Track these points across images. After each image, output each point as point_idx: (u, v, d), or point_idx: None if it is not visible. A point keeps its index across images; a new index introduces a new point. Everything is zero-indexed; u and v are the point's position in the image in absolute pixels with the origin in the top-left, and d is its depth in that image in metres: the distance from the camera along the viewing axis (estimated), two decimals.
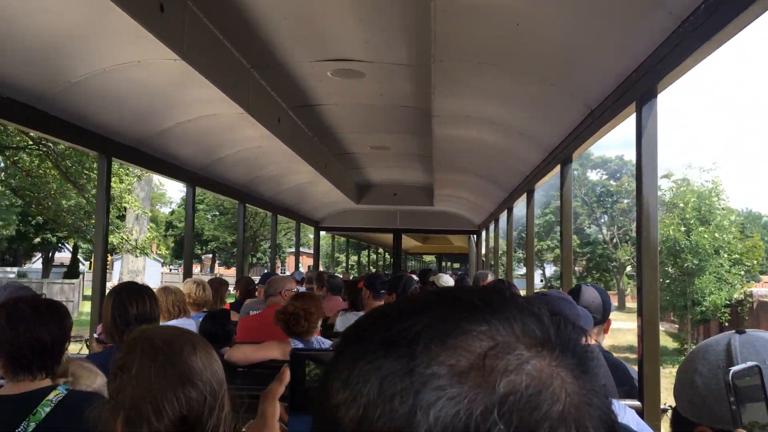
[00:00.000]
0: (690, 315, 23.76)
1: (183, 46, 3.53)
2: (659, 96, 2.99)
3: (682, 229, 23.46)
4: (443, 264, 43.68)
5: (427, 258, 48.63)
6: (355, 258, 42.76)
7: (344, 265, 39.97)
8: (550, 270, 50.29)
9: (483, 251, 13.28)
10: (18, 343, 2.14)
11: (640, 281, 3.04)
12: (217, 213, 49.34)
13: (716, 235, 23.22)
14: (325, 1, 3.63)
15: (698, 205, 23.82)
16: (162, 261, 48.12)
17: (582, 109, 4.01)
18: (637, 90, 3.08)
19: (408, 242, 25.49)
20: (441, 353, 0.46)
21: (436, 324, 0.48)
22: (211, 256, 56.44)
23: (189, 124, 5.18)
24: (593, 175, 50.94)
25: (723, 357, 1.25)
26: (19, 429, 2.07)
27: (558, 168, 5.08)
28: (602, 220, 50.12)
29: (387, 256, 37.47)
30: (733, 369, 0.97)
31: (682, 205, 24.11)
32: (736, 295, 23.21)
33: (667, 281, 23.86)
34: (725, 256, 23.46)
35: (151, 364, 1.50)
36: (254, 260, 53.77)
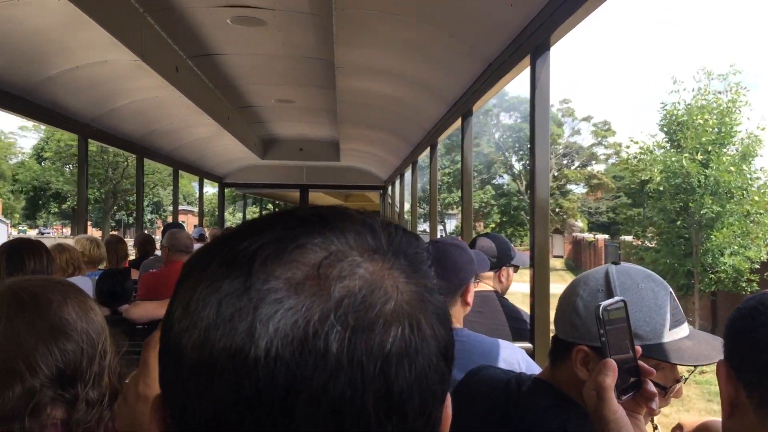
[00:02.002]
0: (699, 285, 16.22)
1: None
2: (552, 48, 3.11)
3: (699, 157, 15.94)
4: None
5: None
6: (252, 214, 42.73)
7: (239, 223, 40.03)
8: (451, 225, 49.85)
9: (389, 207, 13.44)
10: None
11: (532, 232, 3.19)
12: (69, 165, 45.45)
13: (744, 167, 15.82)
14: None
15: (718, 126, 15.94)
16: (9, 222, 44.71)
17: (481, 62, 4.09)
18: (531, 42, 3.18)
19: (327, 199, 25.41)
20: (277, 268, 0.48)
21: (273, 242, 0.49)
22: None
23: (78, 71, 4.89)
24: (507, 119, 48.60)
25: (602, 283, 1.37)
26: None
27: (459, 121, 5.18)
28: (518, 168, 47.79)
29: None
30: (603, 303, 1.06)
31: (701, 122, 15.99)
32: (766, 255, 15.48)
33: (665, 236, 17.01)
34: (756, 199, 15.71)
35: (18, 318, 1.43)
36: (130, 220, 51.51)
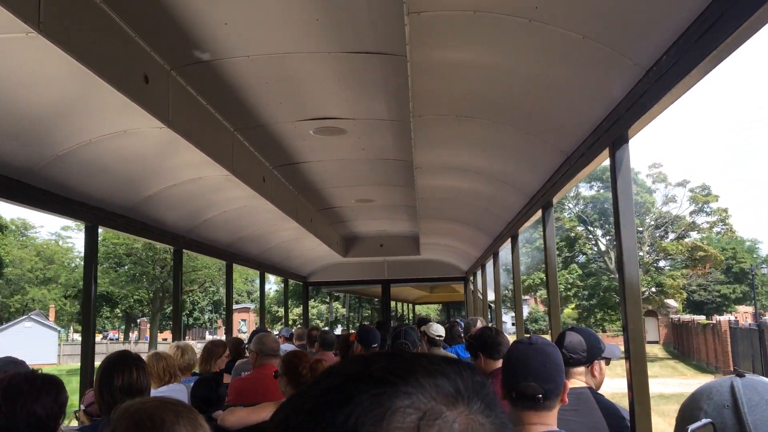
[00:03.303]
0: None
1: (168, 114, 3.62)
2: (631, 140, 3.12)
3: None
4: (450, 311, 43.45)
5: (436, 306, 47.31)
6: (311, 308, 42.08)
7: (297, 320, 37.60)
8: (525, 311, 45.89)
9: (473, 297, 13.28)
10: (14, 418, 2.14)
11: (625, 322, 3.09)
12: (114, 264, 41.35)
13: None
14: (305, 63, 3.75)
15: None
16: (59, 329, 43.10)
17: (558, 155, 4.13)
18: (609, 136, 3.20)
19: (413, 293, 25.32)
20: None
21: (367, 410, 0.52)
22: (145, 319, 50.01)
23: (175, 188, 5.24)
24: (586, 191, 43.63)
25: (728, 398, 1.32)
26: None
27: (540, 212, 5.17)
28: (604, 243, 42.27)
29: (400, 306, 36.54)
30: (691, 427, 1.03)
31: None
32: None
33: None
34: None
35: None
36: (190, 320, 49.65)
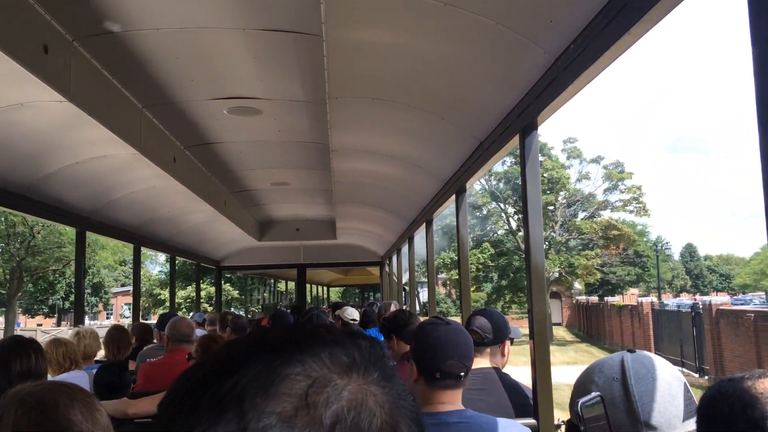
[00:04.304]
0: None
1: (69, 86, 3.43)
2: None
3: None
4: (366, 295, 43.11)
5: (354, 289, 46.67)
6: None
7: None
8: (424, 296, 45.53)
9: (389, 281, 13.43)
10: None
11: (530, 303, 3.21)
12: None
13: None
14: (218, 39, 3.64)
15: None
16: None
17: (471, 141, 4.21)
18: (519, 123, 3.29)
19: (328, 276, 25.20)
20: (267, 404, 0.50)
21: (256, 376, 0.51)
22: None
23: (78, 166, 4.99)
24: (497, 167, 39.35)
25: (618, 371, 1.40)
26: None
27: (453, 197, 5.27)
28: (515, 222, 39.27)
29: (325, 291, 35.90)
30: (581, 400, 1.08)
31: None
32: None
33: None
34: None
35: (25, 423, 1.46)
36: (66, 304, 45.93)
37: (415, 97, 4.02)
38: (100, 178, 5.54)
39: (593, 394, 1.12)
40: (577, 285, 43.27)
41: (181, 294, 38.17)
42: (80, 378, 4.21)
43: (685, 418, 1.35)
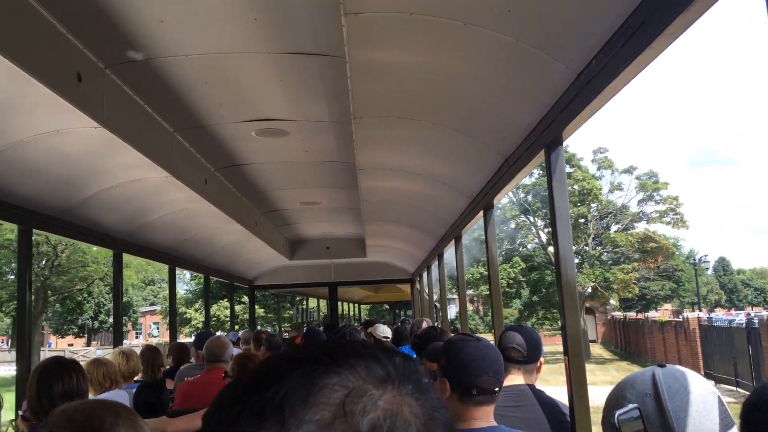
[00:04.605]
0: None
1: (103, 113, 3.54)
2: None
3: None
4: (397, 312, 42.70)
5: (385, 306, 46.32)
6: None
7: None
8: (452, 312, 43.72)
9: (420, 298, 13.39)
10: None
11: (563, 320, 3.18)
12: None
13: None
14: (244, 64, 3.73)
15: None
16: None
17: (497, 157, 4.21)
18: (544, 138, 3.28)
19: (358, 293, 25.24)
20: (306, 412, 0.52)
21: (295, 387, 0.54)
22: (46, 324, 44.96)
23: (113, 190, 5.12)
24: (525, 179, 36.63)
25: (649, 386, 1.38)
26: None
27: (481, 213, 5.26)
28: (545, 235, 37.70)
29: (355, 308, 35.68)
30: (618, 411, 1.07)
31: None
32: None
33: None
34: None
35: None
36: (95, 324, 46.68)
37: (440, 115, 4.05)
38: (134, 200, 5.67)
39: (630, 406, 1.10)
40: (612, 301, 41.10)
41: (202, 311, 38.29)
42: (121, 397, 4.27)
43: (723, 431, 1.33)
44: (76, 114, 3.32)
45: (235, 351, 7.35)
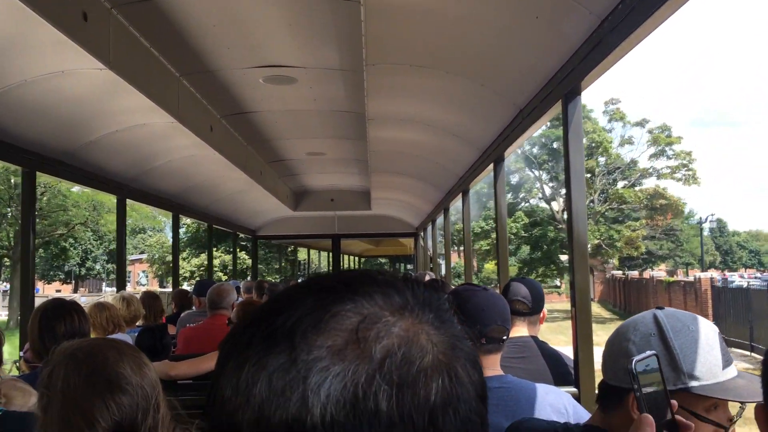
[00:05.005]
0: None
1: (109, 55, 3.45)
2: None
3: None
4: (397, 266, 42.76)
5: (383, 260, 46.49)
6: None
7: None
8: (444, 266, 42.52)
9: (422, 252, 13.43)
10: None
11: (572, 274, 3.16)
12: None
13: None
14: (255, 7, 3.61)
15: None
16: None
17: (511, 108, 4.13)
18: (562, 88, 3.20)
19: (359, 246, 25.32)
20: (318, 338, 0.50)
21: (309, 313, 0.52)
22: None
23: (117, 134, 5.05)
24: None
25: (652, 327, 1.39)
26: None
27: (491, 167, 5.20)
28: (550, 189, 36.28)
29: (355, 261, 35.54)
30: (634, 357, 1.04)
31: None
32: None
33: None
34: None
35: (76, 376, 1.50)
36: (82, 271, 46.07)
37: (454, 63, 3.94)
38: (139, 146, 5.61)
39: (648, 352, 1.08)
40: (613, 260, 39.92)
41: (194, 262, 37.17)
42: (124, 340, 4.30)
43: (724, 366, 1.36)
44: (82, 54, 3.23)
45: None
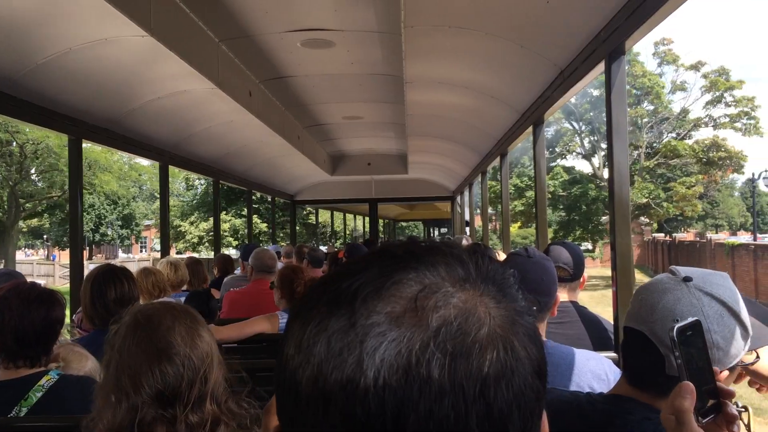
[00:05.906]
0: None
1: (150, 21, 3.48)
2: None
3: None
4: (431, 230, 42.38)
5: (416, 223, 45.88)
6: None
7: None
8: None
9: (459, 216, 13.39)
10: (2, 333, 2.14)
11: (613, 237, 3.13)
12: None
13: None
14: None
15: None
16: None
17: (552, 69, 4.05)
18: (605, 48, 3.12)
19: (394, 210, 25.35)
20: (378, 304, 0.52)
21: (372, 280, 0.54)
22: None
23: (159, 101, 5.12)
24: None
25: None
26: (11, 414, 2.08)
27: (530, 129, 5.13)
28: (589, 141, 33.56)
29: (389, 225, 35.32)
30: (676, 325, 1.03)
31: None
32: None
33: None
34: None
35: (131, 339, 1.56)
36: (96, 237, 44.32)
37: (493, 24, 3.87)
38: (180, 112, 5.68)
39: (691, 319, 1.06)
40: (644, 219, 36.49)
41: (203, 226, 36.44)
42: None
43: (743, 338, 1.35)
44: (124, 22, 3.26)
45: (278, 265, 7.53)
